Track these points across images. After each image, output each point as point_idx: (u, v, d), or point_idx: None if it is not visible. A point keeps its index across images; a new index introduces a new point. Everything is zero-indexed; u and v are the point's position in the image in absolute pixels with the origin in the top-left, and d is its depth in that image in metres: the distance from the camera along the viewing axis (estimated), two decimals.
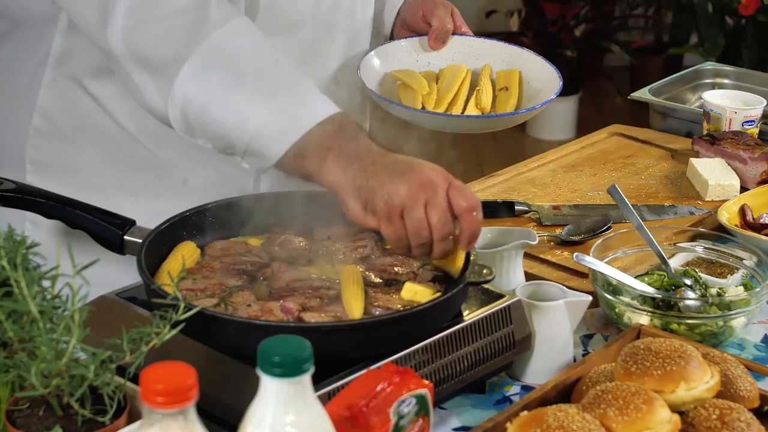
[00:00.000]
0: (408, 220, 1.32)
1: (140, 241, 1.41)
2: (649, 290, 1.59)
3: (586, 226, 1.83)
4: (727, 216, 1.83)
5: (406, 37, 1.88)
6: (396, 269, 1.44)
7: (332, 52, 1.76)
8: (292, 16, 1.66)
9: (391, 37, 1.91)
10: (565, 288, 1.50)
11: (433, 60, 1.87)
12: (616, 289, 1.58)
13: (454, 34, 1.87)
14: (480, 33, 1.94)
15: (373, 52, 1.82)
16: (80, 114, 1.64)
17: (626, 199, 1.71)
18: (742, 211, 1.87)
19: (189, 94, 1.41)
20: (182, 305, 1.17)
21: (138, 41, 1.43)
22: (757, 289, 1.56)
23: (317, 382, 1.13)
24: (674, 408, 1.27)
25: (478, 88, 1.83)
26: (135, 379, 1.06)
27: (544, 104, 1.76)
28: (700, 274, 1.66)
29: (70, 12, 1.51)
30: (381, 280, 1.42)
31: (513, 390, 1.46)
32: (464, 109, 1.81)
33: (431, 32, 1.85)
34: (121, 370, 1.14)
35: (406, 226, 1.33)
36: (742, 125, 2.19)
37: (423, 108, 1.76)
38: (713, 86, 2.54)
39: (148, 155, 1.66)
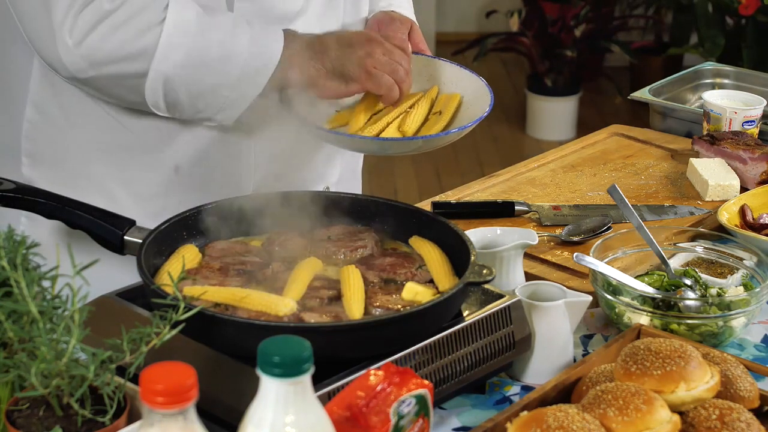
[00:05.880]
0: (380, 66, 1.58)
1: (140, 241, 1.41)
2: (649, 290, 1.58)
3: (586, 226, 1.83)
4: (727, 216, 1.83)
5: None
6: (396, 269, 1.44)
7: None
8: (281, 12, 1.67)
9: None
10: (565, 288, 1.50)
11: None
12: (616, 289, 1.58)
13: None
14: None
15: None
16: (71, 104, 1.64)
17: (626, 199, 1.71)
18: (742, 212, 1.87)
19: (165, 74, 1.53)
20: (182, 305, 1.17)
21: (97, 49, 1.51)
22: (757, 289, 1.56)
23: (317, 382, 1.13)
24: (674, 408, 1.27)
25: (408, 110, 1.72)
26: (135, 379, 1.06)
27: (439, 135, 1.65)
28: (700, 274, 1.66)
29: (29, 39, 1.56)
30: (381, 280, 1.42)
31: (513, 390, 1.46)
32: (382, 130, 1.67)
33: None
34: (121, 370, 1.14)
35: (383, 70, 1.58)
36: (742, 125, 2.19)
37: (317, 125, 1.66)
38: (713, 86, 2.54)
39: (139, 143, 1.67)
